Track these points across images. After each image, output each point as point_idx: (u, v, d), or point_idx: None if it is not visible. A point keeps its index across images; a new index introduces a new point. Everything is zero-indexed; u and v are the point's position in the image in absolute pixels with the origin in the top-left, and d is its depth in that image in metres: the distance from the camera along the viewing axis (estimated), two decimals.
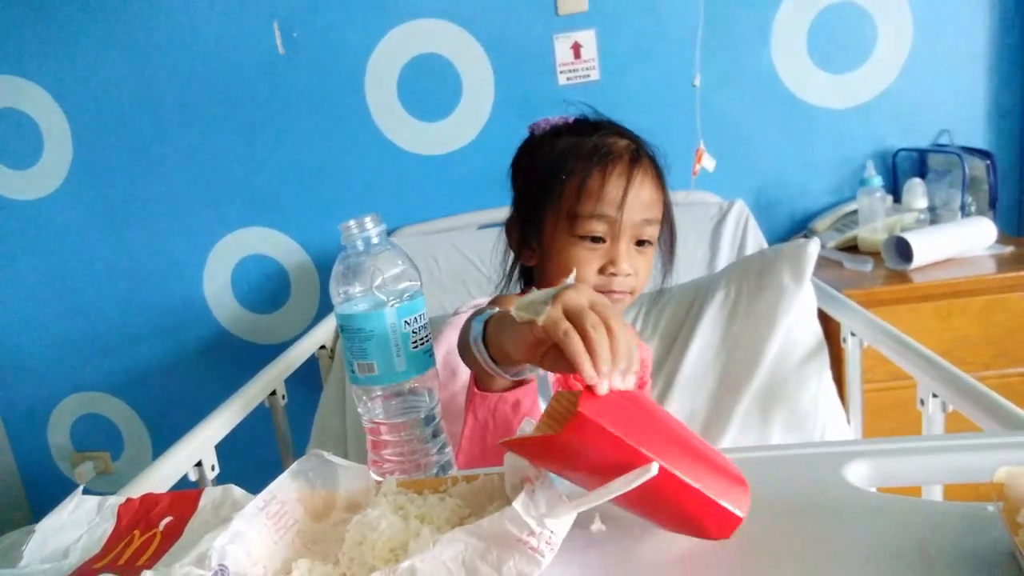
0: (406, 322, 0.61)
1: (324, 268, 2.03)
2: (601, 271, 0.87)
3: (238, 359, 2.10)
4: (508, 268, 1.00)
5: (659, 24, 1.82)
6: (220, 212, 2.00)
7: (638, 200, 0.86)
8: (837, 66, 1.83)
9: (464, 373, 1.36)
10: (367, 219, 0.62)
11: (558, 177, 0.87)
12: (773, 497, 0.56)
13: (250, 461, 1.23)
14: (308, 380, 1.75)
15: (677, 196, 1.64)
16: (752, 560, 0.50)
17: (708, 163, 1.68)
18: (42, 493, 2.29)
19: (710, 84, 1.76)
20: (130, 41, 1.90)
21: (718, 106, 1.81)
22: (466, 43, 1.85)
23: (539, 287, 0.89)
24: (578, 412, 0.45)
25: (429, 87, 1.89)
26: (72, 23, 1.90)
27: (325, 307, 2.03)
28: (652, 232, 0.90)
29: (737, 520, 0.49)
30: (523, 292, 0.96)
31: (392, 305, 0.61)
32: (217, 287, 2.06)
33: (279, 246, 2.02)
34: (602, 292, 0.83)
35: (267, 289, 2.07)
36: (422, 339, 0.63)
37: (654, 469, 0.45)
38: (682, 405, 0.93)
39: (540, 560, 0.45)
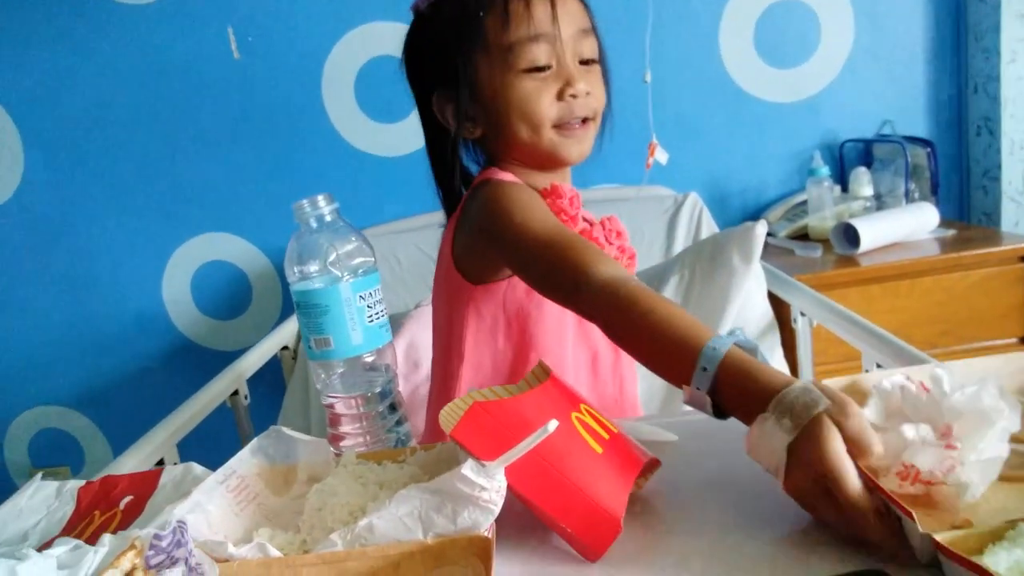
0: (361, 296, 0.63)
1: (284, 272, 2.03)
2: (559, 97, 0.80)
3: (201, 367, 2.08)
4: (448, 177, 0.89)
5: (609, 22, 1.85)
6: (177, 219, 1.99)
7: (567, 9, 0.80)
8: (784, 61, 1.89)
9: (425, 367, 1.37)
10: (320, 198, 0.63)
11: (475, 17, 0.79)
12: (711, 454, 0.58)
13: (213, 462, 1.21)
14: (271, 382, 1.75)
15: (632, 190, 1.68)
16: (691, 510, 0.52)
17: (661, 156, 1.71)
18: None
19: (661, 80, 1.80)
20: (83, 48, 1.88)
21: (670, 101, 1.86)
22: None
23: (494, 156, 0.86)
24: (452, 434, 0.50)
25: (387, 89, 1.90)
26: (23, 32, 1.87)
27: (288, 310, 2.03)
28: (592, 46, 0.83)
29: (590, 551, 0.50)
30: (484, 170, 0.87)
31: (347, 280, 0.62)
32: (177, 295, 2.04)
33: (239, 251, 2.01)
34: (567, 122, 0.80)
35: (228, 295, 2.05)
36: (377, 313, 0.64)
37: (552, 427, 0.47)
38: (641, 385, 0.95)
39: (493, 509, 0.47)
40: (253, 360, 1.41)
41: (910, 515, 0.42)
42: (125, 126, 1.92)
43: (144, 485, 0.59)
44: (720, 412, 0.55)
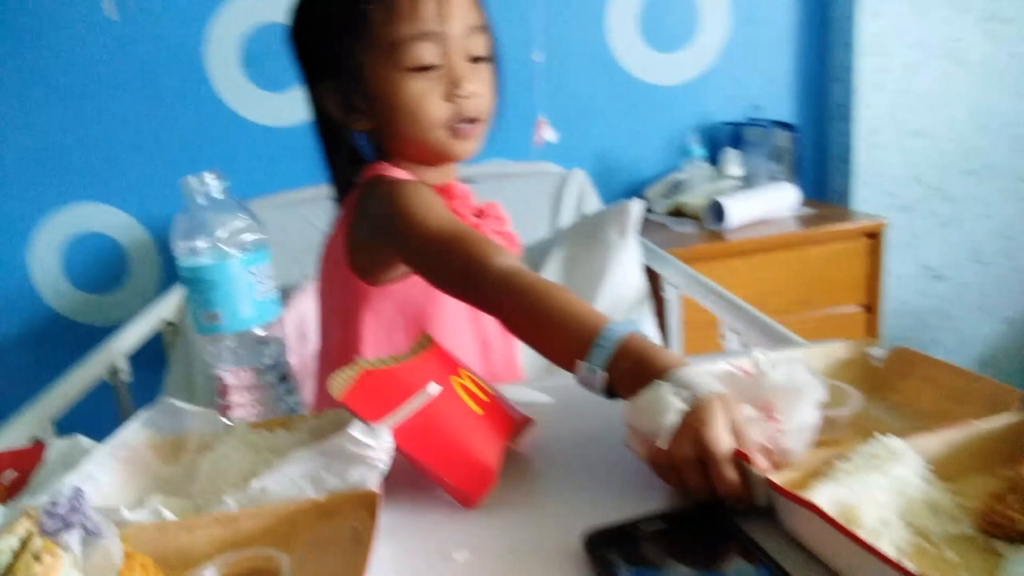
0: (251, 272, 0.65)
1: (164, 244, 1.96)
2: (447, 98, 0.79)
3: (76, 344, 1.97)
4: (336, 162, 0.88)
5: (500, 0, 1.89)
6: (45, 187, 1.88)
7: (457, 6, 0.77)
8: (665, 45, 1.99)
9: (313, 340, 1.38)
10: (207, 175, 0.64)
11: (359, 7, 0.76)
12: (583, 412, 0.65)
13: (95, 441, 1.19)
14: (154, 359, 1.70)
15: (519, 166, 1.73)
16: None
17: (550, 135, 1.78)
18: None
19: (550, 60, 1.86)
20: None
21: (558, 81, 1.92)
22: None
23: (383, 150, 0.85)
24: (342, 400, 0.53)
25: (274, 57, 1.86)
26: None
27: (168, 283, 1.96)
28: (483, 44, 0.81)
29: (468, 498, 0.54)
30: (375, 164, 0.85)
31: (237, 256, 0.64)
32: (45, 268, 1.93)
33: (113, 222, 1.92)
34: (456, 123, 0.79)
35: (102, 268, 1.96)
36: (268, 288, 0.67)
37: (433, 390, 0.52)
38: (525, 352, 1.00)
39: (380, 467, 0.51)
40: (133, 335, 1.38)
41: (749, 460, 0.50)
42: None
43: (27, 460, 0.59)
44: (610, 391, 0.58)
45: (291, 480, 0.51)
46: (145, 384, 1.43)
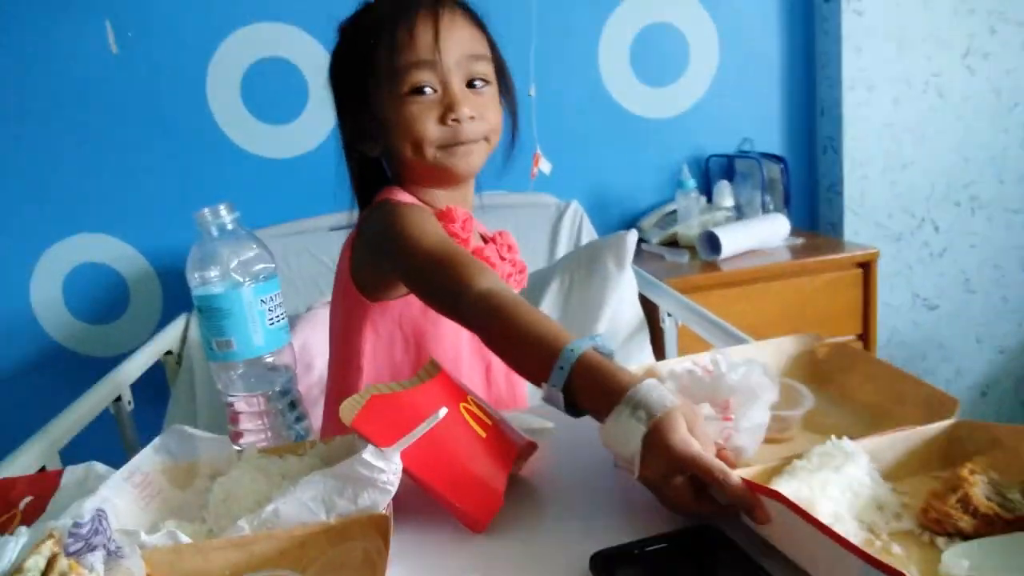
0: (262, 300, 0.67)
1: (165, 275, 1.98)
2: (442, 122, 0.83)
3: (75, 375, 1.99)
4: (355, 183, 0.97)
5: (495, 39, 1.94)
6: (49, 218, 1.90)
7: (452, 36, 0.83)
8: (656, 80, 2.04)
9: (320, 368, 1.39)
10: (221, 207, 0.67)
11: (368, 43, 0.83)
12: (585, 437, 0.66)
13: None
14: (155, 388, 1.71)
15: (518, 197, 1.76)
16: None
17: (545, 166, 1.82)
18: None
19: (546, 95, 1.91)
20: None
21: (553, 115, 1.96)
22: (311, 47, 1.88)
23: (394, 175, 0.91)
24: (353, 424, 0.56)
25: (275, 90, 1.90)
26: None
27: (168, 314, 1.98)
28: (484, 69, 0.86)
29: (476, 522, 0.56)
30: (386, 188, 0.91)
31: (248, 285, 0.66)
32: (47, 298, 1.94)
33: (115, 253, 1.94)
34: (451, 144, 0.84)
35: (103, 299, 1.98)
36: (277, 316, 0.69)
37: (441, 414, 0.54)
38: (530, 388, 1.02)
39: (390, 490, 0.53)
40: (136, 365, 1.39)
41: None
42: None
43: (44, 486, 0.61)
44: (574, 409, 0.60)
45: (304, 503, 0.53)
46: (145, 413, 1.44)
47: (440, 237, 0.80)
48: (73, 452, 1.09)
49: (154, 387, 1.67)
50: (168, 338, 1.63)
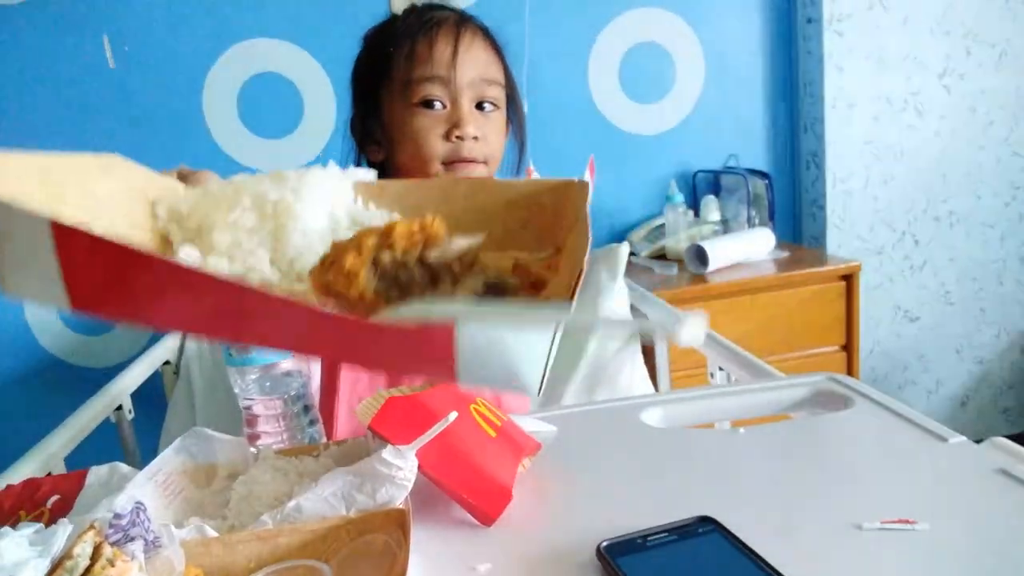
0: None
1: None
2: (447, 138, 0.85)
3: (68, 387, 2.00)
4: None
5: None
6: None
7: (470, 57, 0.85)
8: (645, 97, 2.09)
9: (316, 379, 1.42)
10: None
11: (386, 51, 0.86)
12: (586, 439, 0.70)
13: None
14: (152, 399, 1.72)
15: None
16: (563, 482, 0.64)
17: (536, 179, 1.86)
18: None
19: (537, 111, 1.95)
20: None
21: (545, 131, 2.01)
22: (307, 63, 1.91)
23: (393, 177, 0.91)
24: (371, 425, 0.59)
25: (270, 105, 1.93)
26: None
27: None
28: (494, 94, 0.88)
29: (487, 516, 0.59)
30: None
31: None
32: (41, 309, 1.96)
33: None
34: (452, 160, 0.85)
35: None
36: None
37: (453, 416, 0.57)
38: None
39: (407, 485, 0.56)
40: (136, 374, 1.40)
41: None
42: None
43: (69, 485, 0.63)
44: None
45: (324, 499, 0.55)
46: (140, 423, 1.45)
47: None
48: (75, 461, 1.11)
49: (150, 398, 1.68)
50: (166, 349, 1.65)
